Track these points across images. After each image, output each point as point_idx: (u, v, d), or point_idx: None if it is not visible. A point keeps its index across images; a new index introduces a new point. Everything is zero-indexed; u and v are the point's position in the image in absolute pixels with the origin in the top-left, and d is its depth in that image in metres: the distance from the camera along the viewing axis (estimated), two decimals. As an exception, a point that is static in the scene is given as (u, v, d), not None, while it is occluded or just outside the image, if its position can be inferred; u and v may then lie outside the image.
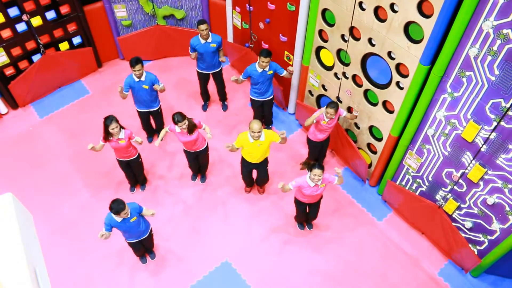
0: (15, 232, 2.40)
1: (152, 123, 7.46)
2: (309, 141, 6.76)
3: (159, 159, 7.38)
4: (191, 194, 7.01)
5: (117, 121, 5.83)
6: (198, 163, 6.86)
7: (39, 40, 7.49)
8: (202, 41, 6.95)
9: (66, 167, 7.26)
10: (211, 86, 7.90)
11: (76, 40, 8.04)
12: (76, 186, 7.04)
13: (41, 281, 2.44)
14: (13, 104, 7.98)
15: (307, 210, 6.29)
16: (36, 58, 7.70)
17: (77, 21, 7.79)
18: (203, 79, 7.65)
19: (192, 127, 6.07)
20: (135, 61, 6.31)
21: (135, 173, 6.74)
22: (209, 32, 6.93)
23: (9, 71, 7.53)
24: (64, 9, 7.53)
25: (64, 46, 7.94)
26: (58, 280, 6.03)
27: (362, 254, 6.41)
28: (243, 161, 6.39)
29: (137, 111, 7.03)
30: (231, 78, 6.87)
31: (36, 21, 7.33)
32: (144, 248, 6.09)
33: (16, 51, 7.41)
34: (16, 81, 7.61)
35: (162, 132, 6.28)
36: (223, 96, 8.01)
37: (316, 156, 6.97)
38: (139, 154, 6.49)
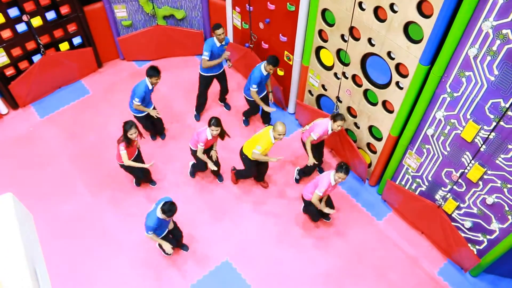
0: (15, 232, 2.40)
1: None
2: (304, 144, 6.73)
3: (158, 159, 7.38)
4: (191, 193, 7.02)
5: (136, 127, 5.92)
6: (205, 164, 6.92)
7: (39, 41, 7.50)
8: (218, 44, 6.98)
9: (67, 167, 7.27)
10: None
11: (76, 40, 8.05)
12: (77, 187, 7.05)
13: (42, 281, 2.45)
14: (13, 104, 7.99)
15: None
16: (36, 58, 7.70)
17: (77, 21, 7.80)
18: (208, 83, 7.52)
19: (223, 134, 6.31)
20: (157, 71, 6.43)
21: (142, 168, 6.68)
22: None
23: (10, 72, 7.54)
24: (64, 10, 7.53)
25: (64, 46, 7.94)
26: (59, 281, 6.03)
27: (362, 253, 6.42)
28: (254, 162, 6.44)
29: (139, 116, 6.95)
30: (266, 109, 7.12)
31: (36, 21, 7.33)
32: (174, 239, 6.18)
33: (16, 51, 7.41)
34: (16, 82, 7.62)
35: (200, 155, 6.39)
36: (224, 96, 8.01)
37: (321, 156, 6.98)
38: (138, 150, 6.51)
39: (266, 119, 7.76)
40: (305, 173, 7.06)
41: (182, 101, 8.23)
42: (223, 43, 7.03)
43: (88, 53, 8.30)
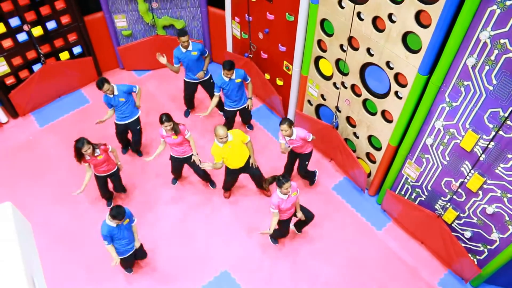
0: (13, 241, 2.39)
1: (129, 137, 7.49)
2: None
3: (153, 170, 7.37)
4: (187, 203, 7.00)
5: (89, 142, 5.86)
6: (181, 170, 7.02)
7: (39, 50, 7.53)
8: (184, 50, 7.05)
9: (66, 176, 7.26)
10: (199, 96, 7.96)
11: (77, 49, 8.08)
12: (76, 196, 7.02)
13: (39, 290, 2.43)
14: (13, 113, 8.00)
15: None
16: (36, 67, 7.73)
17: (77, 31, 7.84)
18: (190, 89, 7.69)
19: (176, 129, 6.21)
20: (101, 82, 6.40)
21: (115, 185, 6.75)
22: (189, 41, 7.03)
23: (10, 81, 7.56)
24: (65, 19, 7.58)
25: (64, 55, 7.98)
26: (57, 290, 6.01)
27: (362, 263, 6.38)
28: (228, 170, 6.46)
29: (115, 123, 7.01)
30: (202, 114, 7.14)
31: (37, 31, 7.37)
32: (135, 259, 6.12)
33: (17, 60, 7.44)
34: (16, 90, 7.64)
35: (160, 148, 6.46)
36: (219, 107, 8.00)
37: (291, 164, 6.92)
38: (117, 167, 6.51)
39: (245, 120, 7.82)
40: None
41: (181, 111, 8.24)
42: (190, 49, 7.05)
43: (88, 63, 8.33)
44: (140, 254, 6.02)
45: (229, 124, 7.55)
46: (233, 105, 7.18)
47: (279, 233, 6.31)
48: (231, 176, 6.56)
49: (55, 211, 6.85)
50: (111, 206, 6.84)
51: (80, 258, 6.38)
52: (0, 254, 2.35)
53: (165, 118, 6.09)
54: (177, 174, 7.08)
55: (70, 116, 8.18)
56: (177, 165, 6.81)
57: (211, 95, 7.73)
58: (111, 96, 6.57)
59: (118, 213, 5.20)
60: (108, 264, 6.27)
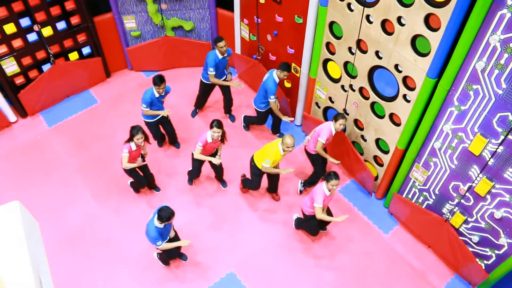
0: (21, 240, 2.41)
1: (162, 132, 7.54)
2: (310, 155, 6.71)
3: (163, 167, 7.40)
4: (195, 202, 7.01)
5: (143, 132, 5.95)
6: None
7: (49, 50, 7.59)
8: (220, 57, 7.12)
9: (74, 175, 7.30)
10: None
11: (86, 50, 8.13)
12: (83, 195, 7.07)
13: (46, 289, 2.45)
14: (22, 112, 8.06)
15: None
16: (46, 67, 7.79)
17: (87, 31, 7.89)
18: (208, 90, 7.75)
19: (223, 136, 6.26)
20: (160, 80, 6.46)
21: (146, 174, 6.75)
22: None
23: (19, 80, 7.62)
24: (75, 20, 7.63)
25: (73, 56, 8.03)
26: (63, 289, 6.04)
27: (368, 267, 6.36)
28: (260, 172, 6.43)
29: (149, 122, 6.99)
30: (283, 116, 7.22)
31: (47, 31, 7.43)
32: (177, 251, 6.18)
33: (27, 60, 7.50)
34: (25, 90, 7.69)
35: (198, 155, 6.34)
36: (229, 108, 8.03)
37: (325, 166, 6.96)
38: (141, 154, 6.52)
39: (276, 129, 7.78)
40: (310, 183, 7.05)
41: (190, 111, 8.27)
42: (225, 55, 7.14)
43: (97, 63, 8.38)
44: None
45: (256, 123, 7.66)
46: (266, 105, 7.24)
47: (309, 228, 6.36)
48: (260, 177, 6.56)
49: (63, 211, 6.88)
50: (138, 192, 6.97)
51: (87, 257, 6.40)
52: (7, 253, 2.37)
53: (216, 123, 6.02)
54: (198, 173, 6.98)
55: (78, 116, 8.23)
56: (201, 164, 6.76)
57: (227, 97, 7.82)
58: (158, 95, 6.61)
59: (167, 215, 5.23)
60: (113, 263, 6.31)
